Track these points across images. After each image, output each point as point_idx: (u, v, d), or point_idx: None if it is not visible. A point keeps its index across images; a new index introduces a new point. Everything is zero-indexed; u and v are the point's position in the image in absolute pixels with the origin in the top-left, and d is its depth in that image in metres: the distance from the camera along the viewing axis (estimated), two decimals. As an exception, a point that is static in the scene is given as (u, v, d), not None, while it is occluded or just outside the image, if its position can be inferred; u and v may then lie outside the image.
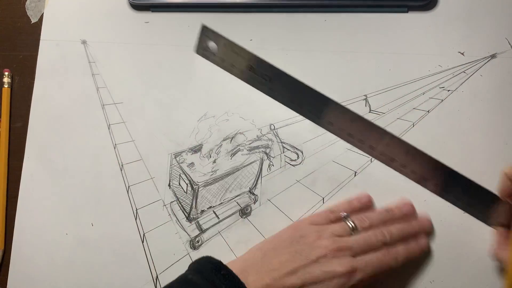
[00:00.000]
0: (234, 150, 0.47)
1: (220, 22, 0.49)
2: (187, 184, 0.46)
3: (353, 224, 0.39)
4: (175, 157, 0.47)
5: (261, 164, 0.46)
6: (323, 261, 0.36)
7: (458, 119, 0.44)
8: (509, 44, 0.46)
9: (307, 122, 0.46)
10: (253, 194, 0.46)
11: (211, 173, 0.46)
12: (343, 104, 0.46)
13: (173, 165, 0.47)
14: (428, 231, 0.42)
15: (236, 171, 0.46)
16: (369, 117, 0.45)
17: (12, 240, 0.47)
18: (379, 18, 0.48)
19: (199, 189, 0.45)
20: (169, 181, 0.47)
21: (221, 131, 0.47)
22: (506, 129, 0.44)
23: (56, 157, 0.48)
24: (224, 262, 0.37)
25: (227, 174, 0.46)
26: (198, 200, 0.45)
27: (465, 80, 0.45)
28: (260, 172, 0.46)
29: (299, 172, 0.45)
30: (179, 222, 0.46)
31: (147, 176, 0.47)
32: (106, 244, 0.46)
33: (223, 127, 0.47)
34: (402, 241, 0.39)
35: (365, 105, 0.46)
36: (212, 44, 0.47)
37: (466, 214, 0.42)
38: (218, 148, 0.47)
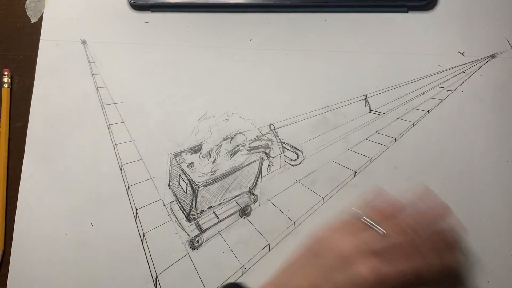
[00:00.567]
0: (234, 150, 0.47)
1: (220, 22, 0.49)
2: (186, 184, 0.46)
3: (383, 231, 0.36)
4: (175, 157, 0.47)
5: (261, 164, 0.46)
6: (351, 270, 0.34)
7: (458, 119, 0.44)
8: (509, 44, 0.46)
9: (307, 122, 0.46)
10: (253, 194, 0.46)
11: (210, 173, 0.46)
12: (343, 104, 0.46)
13: (173, 165, 0.47)
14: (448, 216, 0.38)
15: (236, 171, 0.46)
16: (369, 117, 0.45)
17: (12, 240, 0.47)
18: (379, 18, 0.48)
19: (199, 189, 0.45)
20: (169, 181, 0.47)
21: (221, 131, 0.47)
22: (506, 129, 0.44)
23: (56, 157, 0.48)
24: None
25: (227, 174, 0.46)
26: (197, 200, 0.45)
27: (465, 80, 0.45)
28: (260, 172, 0.46)
29: (299, 172, 0.45)
30: (179, 222, 0.46)
31: (147, 176, 0.47)
32: (106, 244, 0.46)
33: (223, 127, 0.47)
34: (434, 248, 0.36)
35: (365, 105, 0.46)
36: None
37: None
38: (218, 148, 0.47)
